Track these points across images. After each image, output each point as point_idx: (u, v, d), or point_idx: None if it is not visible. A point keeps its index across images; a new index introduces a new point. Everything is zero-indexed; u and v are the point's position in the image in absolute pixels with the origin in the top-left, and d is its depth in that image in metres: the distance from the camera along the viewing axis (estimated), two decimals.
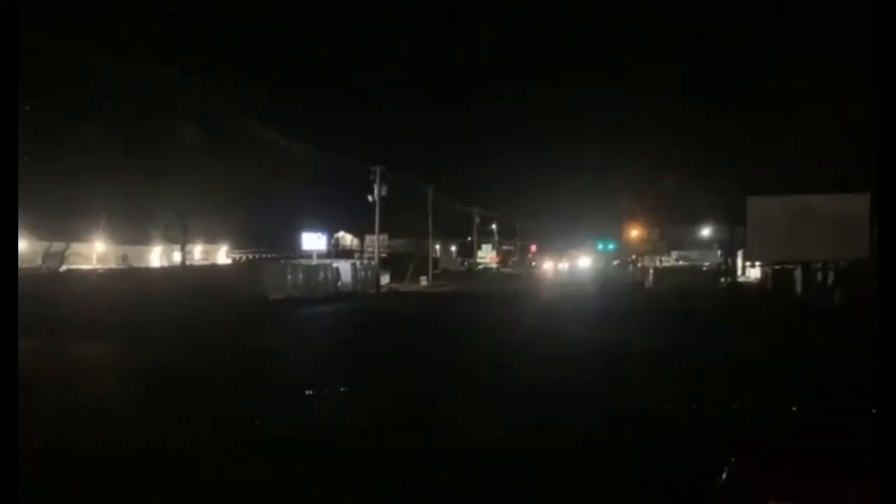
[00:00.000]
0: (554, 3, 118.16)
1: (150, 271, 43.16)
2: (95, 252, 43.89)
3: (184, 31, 60.62)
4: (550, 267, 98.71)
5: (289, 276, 45.41)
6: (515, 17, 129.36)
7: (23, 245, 37.78)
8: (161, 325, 25.66)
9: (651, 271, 64.64)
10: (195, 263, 49.30)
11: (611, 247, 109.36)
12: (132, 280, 35.65)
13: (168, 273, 42.64)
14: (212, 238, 55.04)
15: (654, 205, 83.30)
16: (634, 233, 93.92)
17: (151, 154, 40.23)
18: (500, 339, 22.82)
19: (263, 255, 64.07)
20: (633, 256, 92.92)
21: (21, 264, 36.10)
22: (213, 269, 47.86)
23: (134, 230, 46.04)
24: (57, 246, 35.30)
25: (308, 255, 57.63)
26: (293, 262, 52.30)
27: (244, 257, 63.56)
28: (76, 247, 38.33)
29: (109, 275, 36.28)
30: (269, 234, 65.76)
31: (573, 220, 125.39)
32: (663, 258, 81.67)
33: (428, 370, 16.51)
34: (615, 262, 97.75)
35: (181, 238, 45.03)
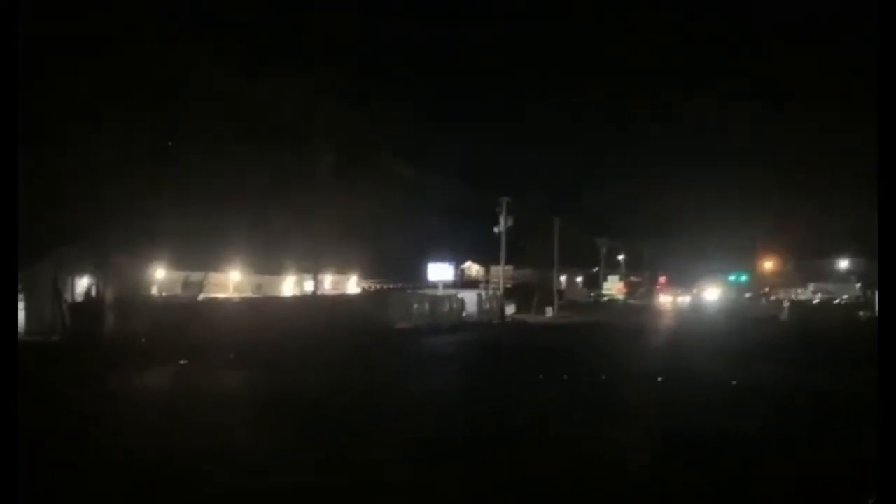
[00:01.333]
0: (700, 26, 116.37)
1: (283, 300, 44.65)
2: (232, 281, 45.65)
3: (325, 61, 62.61)
4: (669, 300, 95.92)
5: (415, 306, 46.13)
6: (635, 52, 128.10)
7: (163, 274, 39.77)
8: (294, 352, 26.48)
9: (786, 305, 62.49)
10: (326, 293, 50.59)
11: (743, 279, 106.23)
12: (266, 309, 36.99)
13: (300, 302, 43.97)
14: (342, 268, 56.38)
15: (789, 236, 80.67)
16: (768, 264, 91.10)
17: (286, 185, 41.75)
18: (627, 375, 22.63)
19: (391, 286, 65.17)
20: (767, 289, 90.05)
21: (162, 292, 38.07)
22: (343, 299, 49.09)
23: (268, 260, 47.67)
24: (196, 276, 36.87)
25: (434, 285, 58.35)
26: (419, 292, 53.07)
27: (372, 287, 64.79)
28: (213, 276, 39.94)
29: (245, 304, 37.75)
30: (397, 264, 66.92)
31: (703, 251, 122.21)
32: (799, 291, 78.89)
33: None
34: (747, 295, 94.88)
35: (313, 268, 46.40)
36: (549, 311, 65.60)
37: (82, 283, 33.57)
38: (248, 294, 44.71)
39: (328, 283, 54.68)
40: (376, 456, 10.87)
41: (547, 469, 10.20)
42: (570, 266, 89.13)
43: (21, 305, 36.00)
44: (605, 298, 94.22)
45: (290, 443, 11.77)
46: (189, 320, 30.91)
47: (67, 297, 31.81)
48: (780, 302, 69.50)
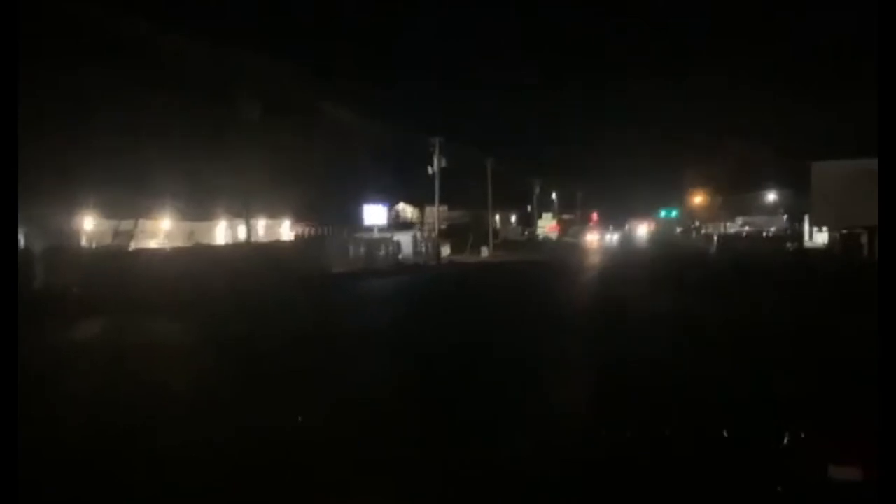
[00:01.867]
0: None
1: (215, 248, 43.96)
2: (163, 229, 44.76)
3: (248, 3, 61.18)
4: (601, 237, 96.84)
5: (350, 250, 45.90)
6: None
7: (92, 224, 38.78)
8: (230, 300, 26.23)
9: (715, 238, 63.79)
10: (259, 239, 50.01)
11: (674, 214, 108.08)
12: (199, 257, 36.41)
13: (233, 250, 43.42)
14: (275, 213, 55.65)
15: (717, 171, 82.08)
16: (697, 199, 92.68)
17: (215, 130, 40.87)
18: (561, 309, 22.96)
19: (325, 230, 64.71)
20: (697, 223, 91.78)
21: (92, 242, 37.18)
22: (277, 245, 48.56)
23: (199, 207, 46.77)
24: (126, 224, 36.12)
25: (369, 228, 58.06)
26: (354, 235, 52.81)
27: (306, 231, 64.26)
28: (144, 224, 39.17)
29: (177, 252, 37.10)
30: (331, 207, 66.29)
31: (634, 187, 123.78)
32: (728, 224, 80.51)
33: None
34: (678, 230, 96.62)
35: (245, 213, 45.72)
36: (484, 252, 65.93)
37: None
38: (180, 242, 43.91)
39: (261, 228, 54.01)
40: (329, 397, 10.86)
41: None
42: (504, 206, 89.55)
43: None
44: (540, 237, 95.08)
45: (230, 388, 11.70)
46: (120, 270, 30.29)
47: None
48: (709, 236, 70.94)
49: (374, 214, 60.60)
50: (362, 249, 47.02)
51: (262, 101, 43.33)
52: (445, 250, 59.90)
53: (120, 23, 35.98)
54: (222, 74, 42.63)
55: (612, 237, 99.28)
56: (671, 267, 40.73)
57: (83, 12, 33.97)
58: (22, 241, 31.47)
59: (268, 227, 54.97)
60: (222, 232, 50.69)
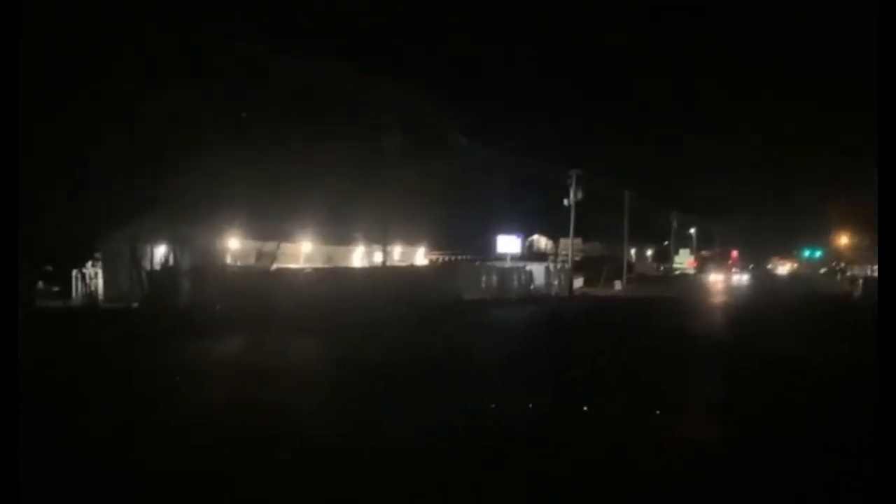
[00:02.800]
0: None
1: (353, 271, 45.22)
2: (303, 252, 46.32)
3: (390, 41, 62.89)
4: (740, 275, 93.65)
5: (483, 278, 46.28)
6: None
7: (237, 244, 40.57)
8: (366, 322, 26.88)
9: (860, 281, 61.00)
10: (395, 264, 51.04)
11: (817, 254, 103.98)
12: (337, 279, 37.55)
13: (369, 273, 44.52)
14: (411, 240, 56.71)
15: (865, 211, 78.58)
16: (843, 240, 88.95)
17: (356, 159, 42.17)
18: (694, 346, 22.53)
19: (459, 257, 65.39)
20: (842, 265, 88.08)
21: (236, 262, 38.88)
22: (411, 270, 49.48)
23: (338, 231, 48.19)
24: (269, 246, 37.53)
25: (502, 257, 58.37)
26: (487, 263, 53.19)
27: (440, 258, 65.11)
28: (286, 246, 40.60)
29: (316, 274, 38.34)
30: (465, 236, 67.04)
31: (777, 226, 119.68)
32: (875, 267, 76.91)
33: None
34: (822, 271, 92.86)
35: (382, 239, 46.86)
36: (617, 285, 65.13)
37: (159, 253, 34.51)
38: (319, 264, 45.31)
39: (397, 254, 55.10)
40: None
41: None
42: (640, 240, 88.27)
43: (99, 274, 37.31)
44: (676, 272, 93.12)
45: (367, 409, 12.08)
46: (262, 289, 31.57)
47: (146, 265, 32.77)
48: (854, 279, 67.93)
49: (508, 244, 60.91)
50: (495, 278, 47.32)
51: (403, 132, 44.43)
52: (578, 282, 59.53)
53: (267, 58, 37.62)
54: (366, 106, 44.01)
55: (751, 275, 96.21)
56: (810, 309, 39.30)
57: (237, 51, 35.73)
58: (171, 259, 33.25)
59: (403, 254, 56.09)
60: (359, 256, 52.05)
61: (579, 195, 57.75)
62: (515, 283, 49.17)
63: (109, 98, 30.48)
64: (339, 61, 43.53)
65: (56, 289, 35.26)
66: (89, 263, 37.12)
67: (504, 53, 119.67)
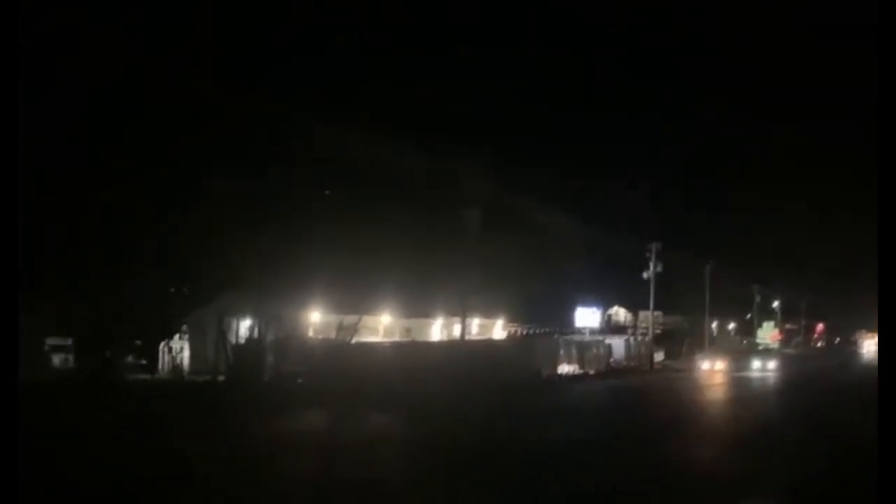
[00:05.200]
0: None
1: (432, 345, 45.43)
2: (382, 325, 46.76)
3: (466, 116, 63.96)
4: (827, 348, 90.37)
5: (561, 351, 45.95)
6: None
7: (319, 318, 41.24)
8: (445, 397, 26.87)
9: None
10: (473, 337, 51.07)
11: None
12: (416, 353, 37.80)
13: (448, 346, 44.65)
14: (489, 312, 56.74)
15: None
16: None
17: (435, 233, 42.79)
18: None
19: (537, 330, 65.08)
20: None
21: (318, 335, 39.50)
22: (490, 344, 49.45)
23: (417, 305, 48.60)
24: (349, 319, 38.08)
25: (581, 330, 57.96)
26: (566, 337, 52.85)
27: (518, 331, 64.88)
28: (366, 320, 41.08)
29: (395, 347, 38.70)
30: (543, 309, 66.86)
31: (864, 298, 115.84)
32: None
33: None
34: None
35: (461, 312, 47.03)
36: (698, 357, 63.67)
37: (244, 326, 35.31)
38: (398, 337, 45.64)
39: (475, 326, 55.15)
40: None
41: None
42: (722, 313, 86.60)
43: (186, 346, 38.32)
44: (760, 347, 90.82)
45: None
46: (343, 362, 32.03)
47: (230, 338, 33.57)
48: None
49: (587, 317, 60.51)
50: (573, 351, 46.95)
51: (481, 206, 44.90)
52: (659, 356, 58.60)
53: (345, 137, 38.61)
54: (445, 182, 44.74)
55: (841, 349, 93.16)
56: None
57: (315, 131, 36.81)
58: (255, 332, 34.00)
59: (481, 326, 56.10)
60: (438, 329, 52.25)
61: (659, 267, 57.28)
62: (594, 355, 48.68)
63: (196, 180, 31.73)
64: (415, 137, 44.50)
65: (143, 362, 36.35)
66: (176, 337, 38.19)
67: (582, 126, 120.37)
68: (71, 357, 33.77)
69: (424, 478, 12.98)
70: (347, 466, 13.97)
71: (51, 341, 34.16)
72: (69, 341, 33.71)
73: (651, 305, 59.19)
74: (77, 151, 29.97)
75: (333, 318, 40.30)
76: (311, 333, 39.56)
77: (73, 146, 29.87)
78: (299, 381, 31.27)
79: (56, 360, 34.18)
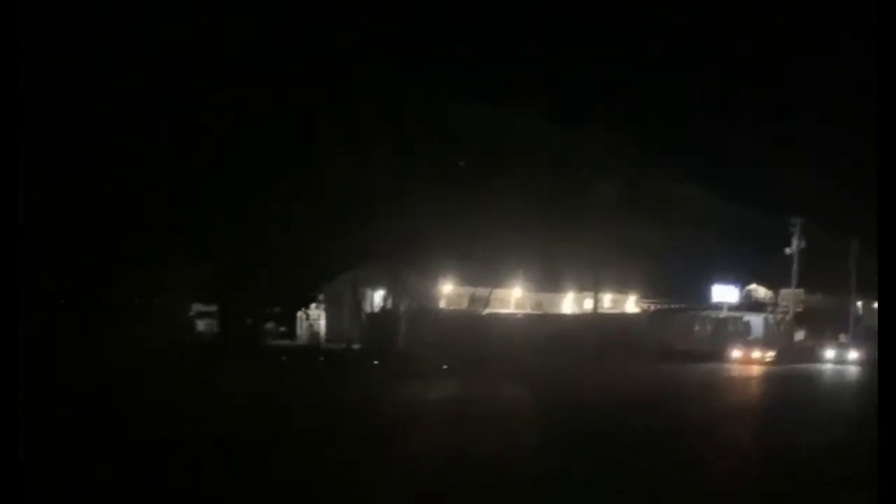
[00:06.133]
0: None
1: (562, 317, 45.28)
2: (514, 298, 46.82)
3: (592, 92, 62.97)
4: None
5: (696, 328, 44.98)
6: None
7: (452, 289, 41.65)
8: (575, 369, 26.76)
9: None
10: (605, 311, 50.56)
11: None
12: (546, 325, 37.75)
13: (579, 320, 44.40)
14: (622, 287, 56.01)
15: None
16: None
17: (570, 207, 42.42)
18: None
19: (671, 306, 63.77)
20: None
21: (450, 306, 39.96)
22: (621, 318, 48.87)
23: (549, 279, 48.39)
24: (481, 291, 38.35)
25: (717, 306, 56.42)
26: (701, 313, 51.65)
27: (652, 307, 63.80)
28: (497, 292, 41.24)
29: (526, 319, 38.77)
30: (678, 284, 65.39)
31: None
32: None
33: None
34: None
35: (593, 287, 46.63)
36: (842, 339, 61.06)
37: (378, 297, 36.08)
38: (529, 310, 45.65)
39: (607, 301, 54.56)
40: None
41: None
42: (868, 292, 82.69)
43: (323, 315, 39.46)
44: None
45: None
46: (474, 333, 32.33)
47: (365, 308, 34.42)
48: None
49: (724, 293, 58.84)
50: (708, 327, 45.87)
51: (615, 182, 44.25)
52: (799, 335, 56.50)
53: (481, 111, 38.58)
54: (580, 155, 44.22)
55: None
56: None
57: (450, 107, 36.95)
58: (389, 303, 34.70)
59: (614, 301, 55.50)
60: (569, 304, 51.98)
61: (802, 244, 55.12)
62: (731, 333, 47.39)
63: (334, 152, 32.45)
64: (552, 110, 44.12)
65: (282, 329, 37.73)
66: (313, 306, 39.36)
67: (720, 99, 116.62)
68: (215, 323, 35.26)
69: (547, 454, 12.88)
70: (474, 438, 14.06)
71: (197, 308, 35.75)
72: (214, 308, 35.17)
73: (794, 282, 57.03)
74: (229, 123, 30.86)
75: (465, 290, 40.65)
76: (443, 305, 40.06)
77: (227, 121, 30.73)
78: (431, 350, 31.73)
79: (201, 325, 35.79)
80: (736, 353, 40.48)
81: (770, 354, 41.48)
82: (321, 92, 32.87)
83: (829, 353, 44.95)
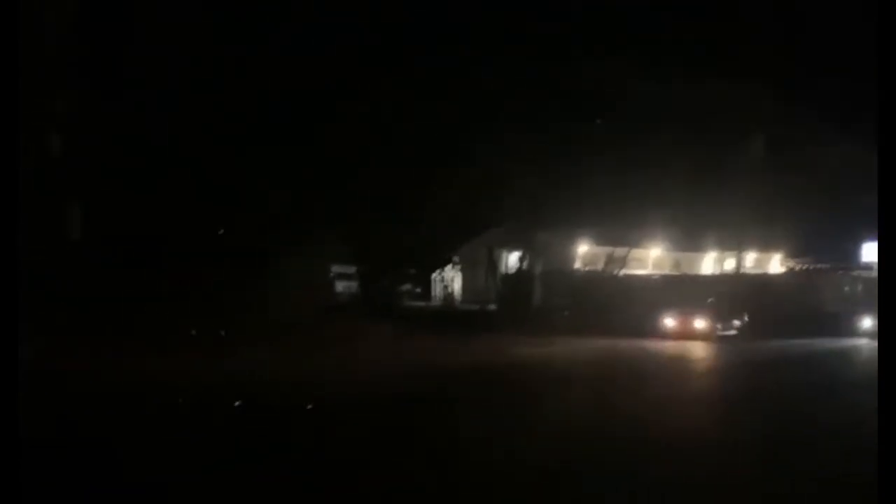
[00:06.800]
0: None
1: (702, 278, 44.05)
2: (652, 257, 45.89)
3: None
4: None
5: (846, 288, 43.04)
6: None
7: (587, 249, 41.15)
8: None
9: None
10: (747, 272, 49.01)
11: None
12: (685, 286, 36.80)
13: (719, 280, 43.15)
14: (766, 246, 54.12)
15: None
16: None
17: (710, 163, 41.02)
18: None
19: (819, 265, 61.31)
20: None
21: (585, 266, 39.52)
22: (765, 278, 47.17)
23: (688, 238, 47.18)
24: (619, 251, 37.78)
25: (869, 266, 53.78)
26: (851, 273, 49.34)
27: (798, 266, 61.48)
28: (635, 252, 40.52)
29: (664, 280, 37.93)
30: (825, 243, 62.76)
31: None
32: None
33: None
34: None
35: (735, 246, 45.20)
36: None
37: (513, 258, 36.07)
38: (667, 270, 44.66)
39: (750, 260, 52.83)
40: None
41: None
42: None
43: (458, 277, 39.77)
44: None
45: None
46: (609, 294, 31.91)
47: (501, 269, 34.51)
48: None
49: (874, 251, 56.06)
50: (859, 287, 43.76)
51: (760, 135, 42.55)
52: None
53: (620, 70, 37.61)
54: (722, 110, 42.61)
55: None
56: None
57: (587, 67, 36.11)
58: (525, 264, 34.63)
59: (757, 261, 53.72)
60: (710, 263, 50.62)
61: None
62: None
63: (472, 115, 32.32)
64: (691, 63, 42.57)
65: (418, 290, 38.24)
66: (448, 267, 39.71)
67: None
68: (353, 284, 36.04)
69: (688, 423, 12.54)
70: (611, 404, 13.87)
71: (335, 269, 36.60)
72: (352, 269, 35.92)
73: None
74: (383, 90, 31.08)
75: (602, 251, 40.12)
76: (578, 265, 39.65)
77: (382, 87, 30.95)
78: (565, 312, 31.50)
79: (339, 286, 36.65)
80: None
81: None
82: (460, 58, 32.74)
83: None
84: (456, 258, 39.23)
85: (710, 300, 30.94)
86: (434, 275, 39.30)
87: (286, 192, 28.75)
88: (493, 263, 34.23)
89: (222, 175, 26.86)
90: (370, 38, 29.69)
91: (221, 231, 28.60)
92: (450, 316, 32.49)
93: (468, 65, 32.07)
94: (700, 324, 28.80)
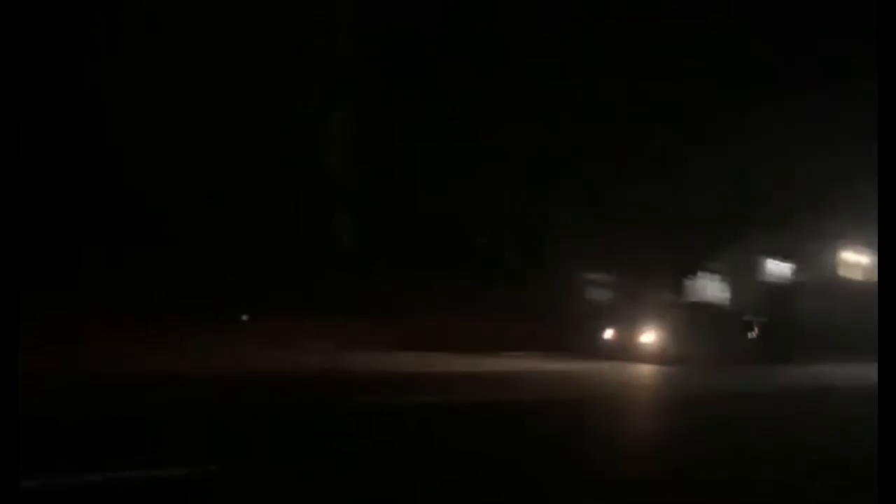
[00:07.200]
0: None
1: None
2: None
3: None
4: None
5: None
6: None
7: (854, 258, 38.92)
8: None
9: None
10: None
11: None
12: None
13: None
14: None
15: None
16: None
17: None
18: None
19: None
20: None
21: (852, 277, 37.49)
22: None
23: None
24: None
25: None
26: None
27: None
28: None
29: None
30: None
31: None
32: None
33: None
34: None
35: None
36: None
37: (774, 266, 34.85)
38: None
39: None
40: None
41: None
42: None
43: (708, 285, 38.81)
44: None
45: None
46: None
47: (763, 278, 33.53)
48: None
49: None
50: None
51: None
52: None
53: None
54: None
55: None
56: None
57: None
58: (788, 272, 33.43)
59: None
60: None
61: None
62: None
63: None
64: None
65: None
66: (702, 274, 38.85)
67: None
68: (602, 291, 36.10)
69: None
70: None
71: (589, 276, 36.79)
72: (605, 276, 35.97)
73: None
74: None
75: (864, 260, 38.06)
76: (846, 274, 37.82)
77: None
78: (830, 325, 30.05)
79: (591, 293, 36.83)
80: None
81: None
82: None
83: None
84: (711, 265, 38.38)
85: None
86: (686, 281, 38.58)
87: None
88: (752, 270, 33.25)
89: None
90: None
91: (483, 240, 29.73)
92: None
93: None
94: None
